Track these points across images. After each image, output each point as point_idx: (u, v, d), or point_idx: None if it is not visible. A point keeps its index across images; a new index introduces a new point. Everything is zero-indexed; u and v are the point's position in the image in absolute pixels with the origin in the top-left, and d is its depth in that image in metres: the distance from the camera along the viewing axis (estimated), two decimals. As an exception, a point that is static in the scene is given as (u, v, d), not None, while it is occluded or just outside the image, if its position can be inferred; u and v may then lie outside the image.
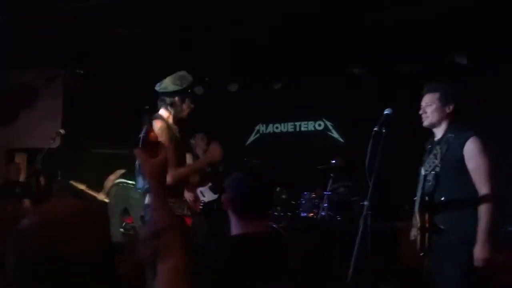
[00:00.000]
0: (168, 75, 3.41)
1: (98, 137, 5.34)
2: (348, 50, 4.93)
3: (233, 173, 1.70)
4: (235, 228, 1.62)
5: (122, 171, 4.85)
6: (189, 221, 4.58)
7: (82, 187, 4.97)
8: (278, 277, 1.51)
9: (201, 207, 4.69)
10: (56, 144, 4.29)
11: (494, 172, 2.28)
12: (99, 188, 5.04)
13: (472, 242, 2.26)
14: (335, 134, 5.89)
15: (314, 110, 5.91)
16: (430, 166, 2.49)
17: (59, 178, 4.81)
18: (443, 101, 2.47)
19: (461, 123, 2.46)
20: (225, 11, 4.07)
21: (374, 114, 2.53)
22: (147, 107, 6.01)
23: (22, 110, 5.10)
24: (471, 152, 2.31)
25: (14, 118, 5.12)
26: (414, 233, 2.58)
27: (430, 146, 2.58)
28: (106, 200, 4.85)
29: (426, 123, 2.53)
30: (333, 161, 4.74)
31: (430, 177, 2.45)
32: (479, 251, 2.22)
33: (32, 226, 0.90)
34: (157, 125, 2.76)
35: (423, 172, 2.53)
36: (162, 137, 2.75)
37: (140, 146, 1.27)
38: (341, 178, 4.74)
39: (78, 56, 4.80)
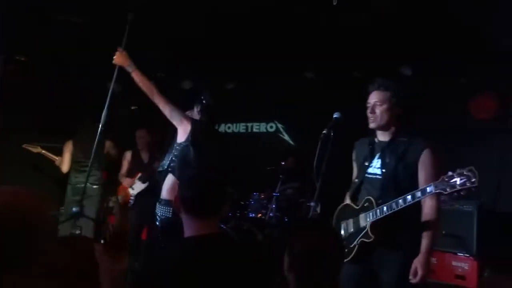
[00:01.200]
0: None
1: (35, 130, 5.07)
2: (301, 54, 5.02)
3: (184, 175, 1.69)
4: (188, 229, 1.60)
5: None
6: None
7: (37, 150, 4.72)
8: (235, 278, 1.50)
9: (131, 200, 4.69)
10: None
11: None
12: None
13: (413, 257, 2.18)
14: (286, 137, 5.98)
15: (266, 111, 5.97)
16: (379, 169, 2.34)
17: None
18: (394, 102, 2.34)
19: (407, 129, 2.39)
20: (180, 7, 4.00)
21: (325, 118, 2.59)
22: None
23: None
24: (427, 161, 2.23)
25: None
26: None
27: (371, 147, 2.44)
28: (64, 168, 4.73)
29: (373, 125, 2.38)
30: (283, 163, 4.81)
31: (378, 183, 2.32)
32: (421, 268, 2.14)
33: None
34: None
35: (370, 175, 2.37)
36: None
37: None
38: (289, 180, 4.82)
39: (19, 41, 4.52)
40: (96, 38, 4.58)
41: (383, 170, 2.32)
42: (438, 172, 2.16)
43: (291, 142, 5.92)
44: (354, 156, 2.56)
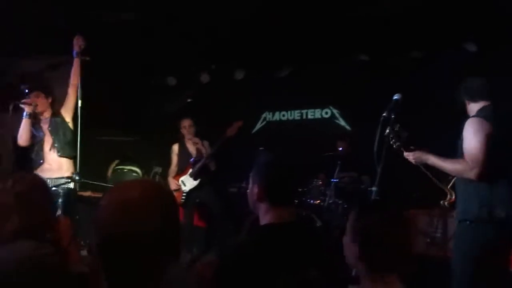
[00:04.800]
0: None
1: (103, 124, 5.34)
2: (355, 36, 4.88)
3: (258, 161, 1.65)
4: (265, 217, 1.57)
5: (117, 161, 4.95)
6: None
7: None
8: (313, 265, 1.47)
9: (183, 198, 4.70)
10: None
11: (474, 151, 2.24)
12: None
13: (471, 220, 2.24)
14: (342, 122, 5.87)
15: (320, 97, 5.88)
16: None
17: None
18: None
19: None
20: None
21: (382, 102, 2.51)
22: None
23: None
24: (464, 133, 2.33)
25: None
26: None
27: None
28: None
29: None
30: (340, 149, 4.74)
31: None
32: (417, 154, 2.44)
33: (105, 204, 0.98)
34: None
35: None
36: None
37: None
38: (347, 167, 4.72)
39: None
40: (150, 33, 4.76)
41: None
42: (471, 138, 2.25)
43: (347, 127, 5.80)
44: None
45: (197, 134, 4.93)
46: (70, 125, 3.63)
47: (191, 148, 4.91)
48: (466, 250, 2.25)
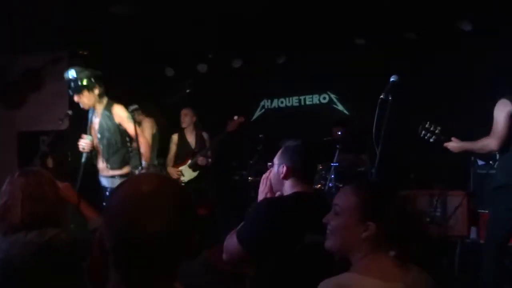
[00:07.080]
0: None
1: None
2: (349, 20, 4.88)
3: (287, 145, 2.03)
4: (289, 190, 1.92)
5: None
6: None
7: None
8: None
9: None
10: (65, 125, 4.30)
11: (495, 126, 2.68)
12: None
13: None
14: (340, 107, 5.90)
15: (318, 83, 5.89)
16: None
17: (69, 159, 4.84)
18: None
19: None
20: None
21: (379, 85, 2.54)
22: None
23: (30, 94, 5.11)
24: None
25: (23, 102, 5.13)
26: None
27: None
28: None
29: None
30: (339, 133, 4.77)
31: None
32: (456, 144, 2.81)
33: (117, 201, 0.94)
34: None
35: None
36: None
37: None
38: (346, 151, 4.76)
39: (80, 37, 4.79)
40: (149, 27, 4.76)
41: None
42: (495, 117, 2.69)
43: (345, 111, 5.84)
44: None
45: (197, 124, 4.96)
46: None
47: (191, 139, 4.94)
48: (492, 213, 2.74)
